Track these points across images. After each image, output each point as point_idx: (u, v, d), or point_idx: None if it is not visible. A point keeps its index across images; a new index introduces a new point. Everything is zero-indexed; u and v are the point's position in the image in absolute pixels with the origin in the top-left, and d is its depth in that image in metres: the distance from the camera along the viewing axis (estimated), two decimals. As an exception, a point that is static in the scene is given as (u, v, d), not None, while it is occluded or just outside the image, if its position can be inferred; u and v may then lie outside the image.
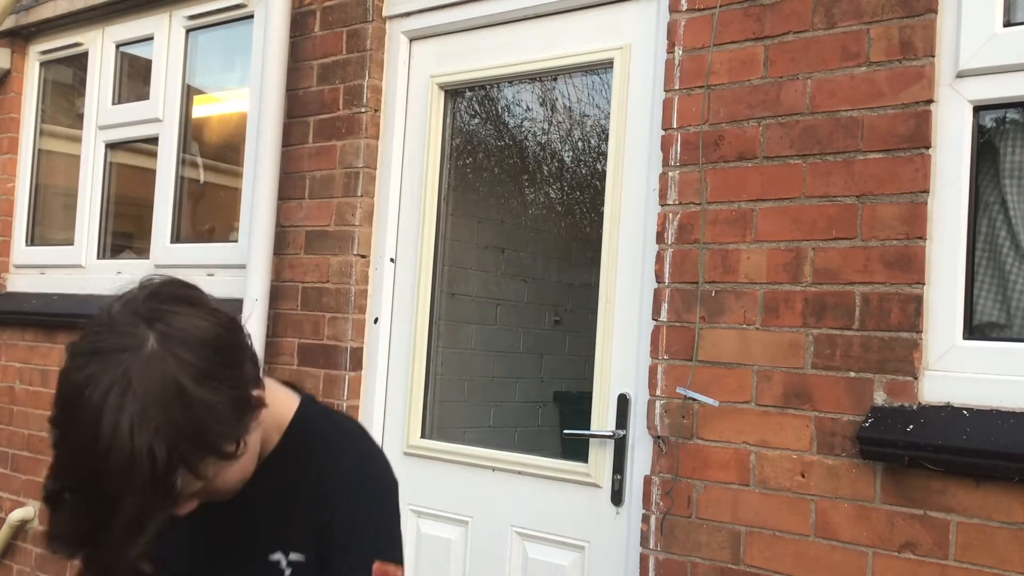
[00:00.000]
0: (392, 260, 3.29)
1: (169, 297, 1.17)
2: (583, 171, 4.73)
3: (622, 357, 2.70)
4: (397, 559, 1.33)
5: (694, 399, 2.43)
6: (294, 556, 1.33)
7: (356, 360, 3.25)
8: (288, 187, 3.44)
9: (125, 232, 4.57)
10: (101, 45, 4.42)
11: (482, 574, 2.96)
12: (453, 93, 3.35)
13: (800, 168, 2.33)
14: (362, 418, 3.23)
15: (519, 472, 2.91)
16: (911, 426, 2.08)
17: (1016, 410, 2.02)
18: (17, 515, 4.30)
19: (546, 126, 4.54)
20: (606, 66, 2.89)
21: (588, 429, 2.76)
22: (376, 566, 1.30)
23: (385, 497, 1.37)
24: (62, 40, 4.59)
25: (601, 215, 2.81)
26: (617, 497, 2.67)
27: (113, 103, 4.37)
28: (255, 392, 1.21)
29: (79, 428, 1.06)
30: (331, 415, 1.47)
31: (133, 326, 1.10)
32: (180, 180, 4.05)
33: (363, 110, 3.28)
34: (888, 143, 2.21)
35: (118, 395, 1.05)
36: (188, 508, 1.19)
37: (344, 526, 1.31)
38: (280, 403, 1.37)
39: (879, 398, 2.17)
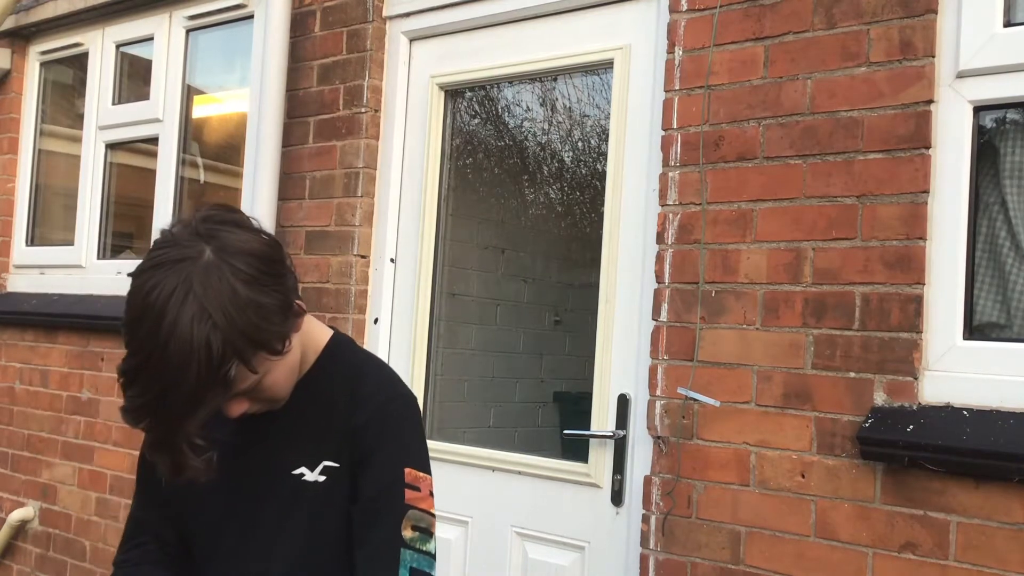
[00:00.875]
0: (392, 260, 3.29)
1: (222, 219, 1.34)
2: (583, 171, 4.73)
3: (622, 357, 2.70)
4: (426, 469, 1.49)
5: (695, 399, 2.43)
6: (328, 463, 1.46)
7: (356, 360, 3.24)
8: (288, 187, 3.44)
9: (125, 232, 4.57)
10: (101, 45, 4.42)
11: (482, 574, 2.96)
12: (453, 93, 3.35)
13: (800, 168, 2.33)
14: (362, 418, 3.23)
15: (519, 472, 2.91)
16: (911, 426, 2.08)
17: (1016, 410, 2.02)
18: (17, 515, 4.30)
19: (546, 126, 4.54)
20: (606, 66, 2.89)
21: (588, 429, 2.76)
22: (407, 471, 1.46)
23: (411, 414, 1.52)
24: (62, 40, 4.59)
25: (601, 215, 2.81)
26: (617, 497, 2.67)
27: (113, 103, 4.37)
28: (297, 300, 1.39)
29: (146, 326, 1.23)
30: (359, 348, 1.64)
31: (192, 241, 1.28)
32: (180, 180, 4.05)
33: (363, 110, 3.28)
34: (888, 143, 2.21)
35: (180, 296, 1.23)
36: (240, 409, 1.36)
37: (376, 438, 1.46)
38: (316, 331, 1.55)
39: (879, 398, 2.17)
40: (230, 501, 1.50)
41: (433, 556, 1.44)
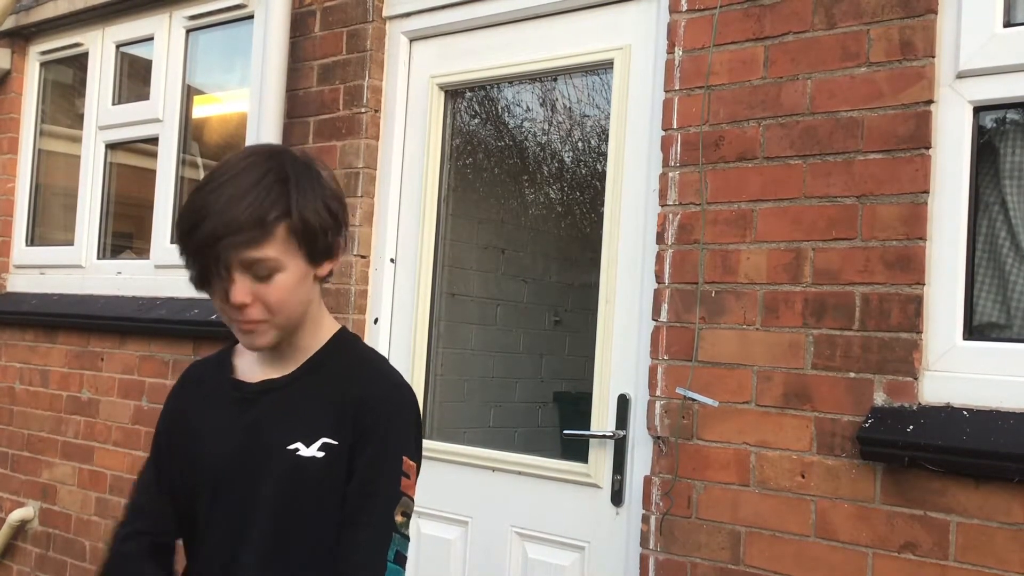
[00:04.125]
0: (392, 260, 3.29)
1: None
2: (583, 171, 4.72)
3: (622, 357, 2.70)
4: (415, 458, 1.55)
5: (693, 399, 2.43)
6: (327, 440, 1.50)
7: (356, 360, 3.24)
8: (288, 187, 3.44)
9: (125, 232, 4.57)
10: (101, 45, 4.42)
11: (482, 574, 2.96)
12: (453, 93, 3.35)
13: (800, 168, 2.33)
14: (362, 418, 3.23)
15: (519, 472, 2.91)
16: (911, 426, 2.08)
17: (1016, 410, 2.02)
18: (17, 515, 4.30)
19: (546, 126, 4.54)
20: (606, 66, 2.89)
21: (588, 429, 2.76)
22: (404, 459, 1.51)
23: (414, 403, 1.58)
24: (62, 40, 4.59)
25: (601, 215, 2.81)
26: (617, 497, 2.67)
27: (113, 103, 4.37)
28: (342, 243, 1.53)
29: (230, 162, 1.43)
30: (365, 344, 1.70)
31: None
32: (180, 180, 4.05)
33: (363, 110, 3.28)
34: (888, 143, 2.21)
35: (266, 155, 1.46)
36: (243, 294, 1.42)
37: (382, 419, 1.51)
38: (328, 320, 1.62)
39: (879, 398, 2.17)
40: (226, 478, 1.52)
41: (409, 539, 1.51)
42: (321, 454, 1.48)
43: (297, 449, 1.49)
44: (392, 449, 1.50)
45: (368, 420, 1.50)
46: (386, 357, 1.70)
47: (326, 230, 1.47)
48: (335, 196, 1.51)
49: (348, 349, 1.61)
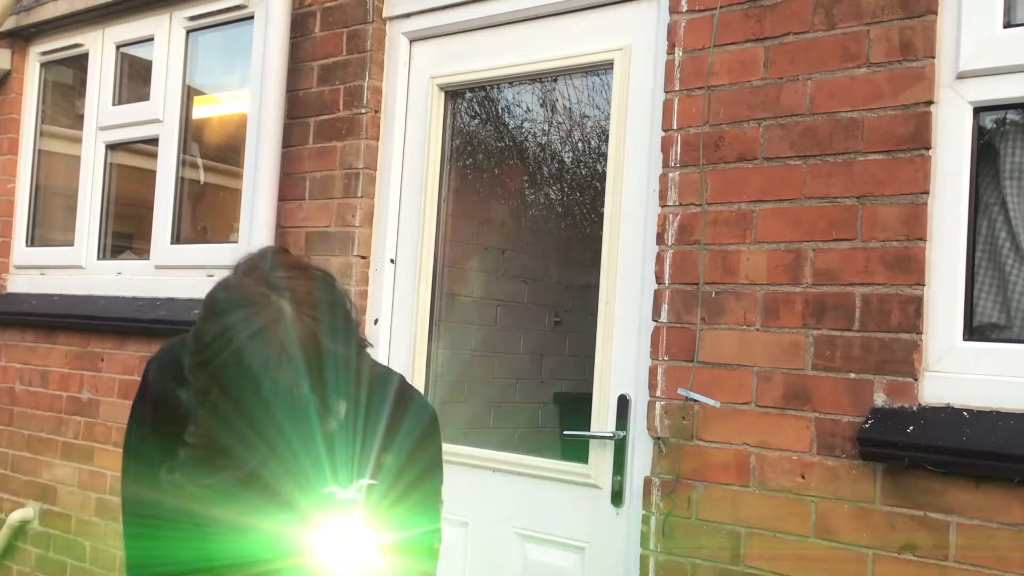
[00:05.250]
0: (392, 261, 3.29)
1: (285, 266, 1.39)
2: (583, 172, 4.72)
3: (622, 358, 2.70)
4: (442, 495, 1.65)
5: (695, 400, 2.43)
6: (366, 481, 1.53)
7: (356, 361, 3.24)
8: (288, 188, 3.44)
9: (125, 233, 4.57)
10: (101, 46, 4.42)
11: (482, 575, 2.96)
12: (453, 94, 3.35)
13: (800, 169, 2.33)
14: (362, 419, 3.23)
15: (519, 473, 2.91)
16: (911, 427, 2.08)
17: (1016, 411, 2.02)
18: (17, 516, 4.30)
19: (546, 127, 4.54)
20: (606, 67, 2.89)
21: (588, 430, 2.76)
22: (440, 492, 1.62)
23: (440, 447, 1.67)
24: (62, 41, 4.59)
25: (601, 216, 2.81)
26: (617, 498, 2.67)
27: (113, 104, 4.37)
28: (362, 336, 1.47)
29: (249, 394, 1.27)
30: (403, 380, 1.72)
31: (268, 297, 1.32)
32: (180, 181, 4.05)
33: (363, 111, 3.29)
34: (888, 144, 2.21)
35: (275, 358, 1.27)
36: None
37: (428, 471, 1.61)
38: (365, 361, 1.57)
39: (879, 399, 2.17)
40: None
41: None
42: (359, 495, 1.51)
43: (334, 492, 1.50)
44: (434, 484, 1.61)
45: (415, 468, 1.58)
46: (421, 391, 1.74)
47: (349, 364, 1.39)
48: (334, 327, 1.37)
49: (388, 391, 1.64)
